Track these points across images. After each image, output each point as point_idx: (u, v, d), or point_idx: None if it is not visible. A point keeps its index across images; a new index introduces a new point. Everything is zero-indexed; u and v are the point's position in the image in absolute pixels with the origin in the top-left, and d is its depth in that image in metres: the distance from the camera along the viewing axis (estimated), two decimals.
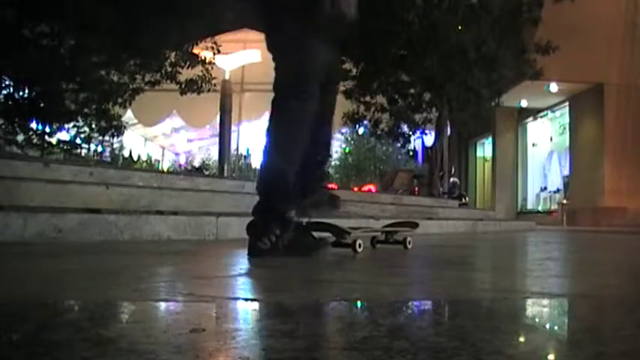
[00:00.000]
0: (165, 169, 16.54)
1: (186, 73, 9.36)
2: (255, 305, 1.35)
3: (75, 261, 2.31)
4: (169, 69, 9.10)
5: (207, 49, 9.41)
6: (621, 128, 13.94)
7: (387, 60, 10.37)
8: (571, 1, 10.26)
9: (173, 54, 9.00)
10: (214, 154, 15.43)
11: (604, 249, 4.88)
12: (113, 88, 8.70)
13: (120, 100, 8.91)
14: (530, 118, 18.17)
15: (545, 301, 1.54)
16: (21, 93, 8.22)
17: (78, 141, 9.55)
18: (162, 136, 19.73)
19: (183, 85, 9.31)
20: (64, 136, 9.57)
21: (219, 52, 9.52)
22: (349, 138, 19.66)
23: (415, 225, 3.48)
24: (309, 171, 2.62)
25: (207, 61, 9.32)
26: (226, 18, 9.67)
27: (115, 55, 8.07)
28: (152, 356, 0.85)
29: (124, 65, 8.63)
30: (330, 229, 2.92)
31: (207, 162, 19.54)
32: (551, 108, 16.84)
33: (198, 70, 9.36)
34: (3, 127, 8.31)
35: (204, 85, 9.38)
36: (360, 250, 2.80)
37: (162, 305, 1.34)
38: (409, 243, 3.25)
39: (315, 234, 2.74)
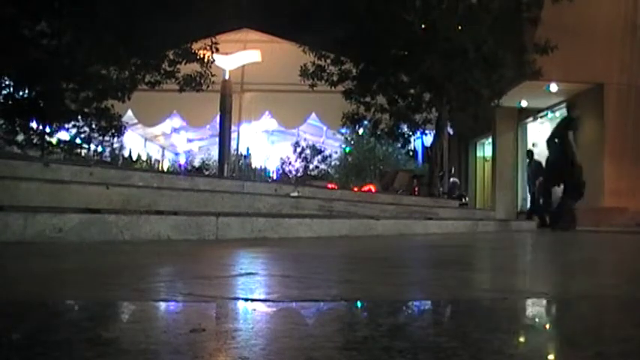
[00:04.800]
0: (165, 169, 16.52)
1: (184, 69, 9.31)
2: (255, 305, 1.34)
3: (75, 261, 2.31)
4: (169, 68, 9.08)
5: (205, 48, 9.37)
6: (621, 128, 13.92)
7: (387, 60, 10.35)
8: (569, 1, 10.24)
9: (171, 52, 8.97)
10: (214, 154, 15.40)
11: (604, 249, 4.87)
12: (112, 83, 8.67)
13: (120, 94, 8.84)
14: (530, 118, 18.13)
15: (545, 301, 1.54)
16: (21, 93, 8.21)
17: (78, 141, 9.53)
18: (162, 136, 19.69)
19: (181, 82, 9.25)
20: (64, 136, 9.55)
21: (217, 50, 9.47)
22: (349, 138, 19.62)
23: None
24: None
25: (206, 59, 9.28)
26: None
27: (115, 51, 8.04)
28: (152, 356, 0.85)
29: (124, 63, 8.60)
30: None
31: (207, 162, 19.50)
32: (551, 108, 16.82)
33: (197, 67, 9.31)
34: (3, 127, 8.30)
35: (203, 81, 9.32)
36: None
37: (162, 305, 1.34)
38: None
39: None
